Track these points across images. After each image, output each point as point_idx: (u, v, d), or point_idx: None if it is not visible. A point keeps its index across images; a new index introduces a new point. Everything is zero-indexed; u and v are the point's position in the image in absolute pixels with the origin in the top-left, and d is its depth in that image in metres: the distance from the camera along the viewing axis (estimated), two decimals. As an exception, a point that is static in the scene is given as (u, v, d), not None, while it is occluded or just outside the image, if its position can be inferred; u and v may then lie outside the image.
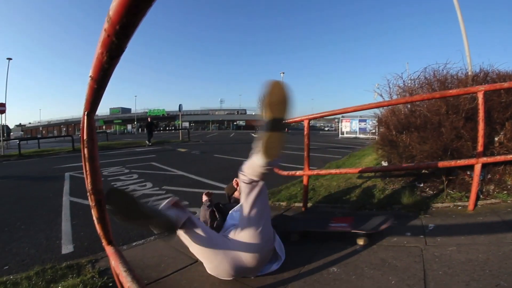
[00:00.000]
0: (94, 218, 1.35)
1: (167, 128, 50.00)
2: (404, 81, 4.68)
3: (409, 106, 4.45)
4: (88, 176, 1.25)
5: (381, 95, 4.90)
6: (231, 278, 2.04)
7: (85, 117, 1.22)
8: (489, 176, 3.34)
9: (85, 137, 1.23)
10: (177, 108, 23.92)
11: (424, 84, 4.29)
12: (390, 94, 4.77)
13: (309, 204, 3.76)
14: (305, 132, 3.52)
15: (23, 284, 2.31)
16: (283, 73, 43.29)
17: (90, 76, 0.87)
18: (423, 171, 3.87)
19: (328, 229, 2.72)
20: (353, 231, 2.54)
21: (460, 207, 3.01)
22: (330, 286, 1.92)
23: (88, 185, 1.28)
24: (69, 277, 2.39)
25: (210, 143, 20.54)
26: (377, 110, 5.40)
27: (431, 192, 3.56)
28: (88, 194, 1.93)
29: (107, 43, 0.67)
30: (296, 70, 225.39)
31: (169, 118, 65.54)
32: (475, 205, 2.91)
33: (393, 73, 4.76)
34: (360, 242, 2.47)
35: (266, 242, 2.02)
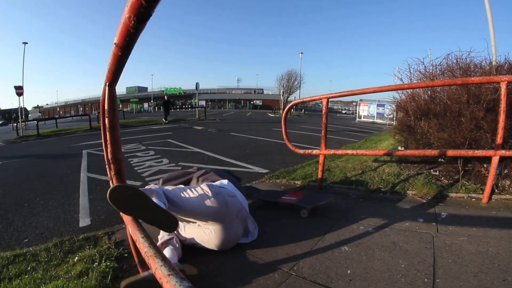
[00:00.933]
0: (114, 187, 1.39)
1: (184, 107, 50.04)
2: (425, 66, 4.57)
3: (429, 92, 4.34)
4: (109, 146, 1.29)
5: (401, 79, 4.81)
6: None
7: (107, 87, 1.25)
8: (506, 171, 3.25)
9: (106, 107, 1.26)
10: (193, 87, 23.90)
11: (446, 71, 4.16)
12: (410, 79, 4.67)
13: (324, 184, 3.78)
14: (323, 111, 3.48)
15: (42, 255, 2.41)
16: (301, 53, 42.75)
17: (115, 43, 0.88)
18: (439, 159, 3.82)
19: (279, 200, 3.05)
20: (297, 203, 2.87)
21: (474, 199, 2.97)
22: (340, 265, 1.96)
23: (109, 154, 1.31)
24: (86, 248, 2.49)
25: (226, 121, 20.64)
26: (396, 95, 5.36)
27: (446, 181, 3.52)
28: (107, 164, 2.00)
29: (136, 6, 0.68)
30: (315, 52, 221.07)
31: (186, 96, 65.35)
32: (489, 198, 2.86)
33: (414, 58, 4.66)
34: (304, 214, 2.80)
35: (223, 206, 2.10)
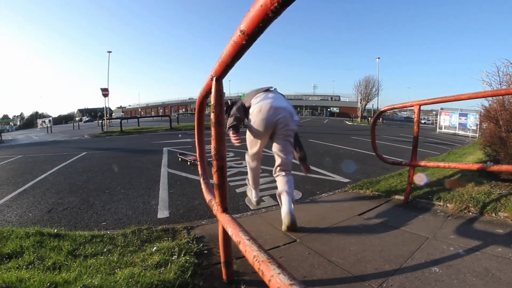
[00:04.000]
0: (214, 184, 1.36)
1: None
2: None
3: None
4: (213, 141, 1.26)
5: (490, 85, 4.25)
6: None
7: (214, 82, 1.22)
8: None
9: (213, 102, 1.23)
10: None
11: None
12: (500, 83, 4.10)
13: (410, 198, 3.50)
14: (415, 119, 3.20)
15: (119, 240, 2.51)
16: (378, 58, 40.96)
17: (241, 31, 0.82)
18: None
19: None
20: None
21: None
22: (431, 287, 1.79)
23: (213, 150, 1.28)
24: (164, 239, 2.51)
25: (304, 128, 20.64)
26: (485, 103, 4.73)
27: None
28: (200, 161, 2.02)
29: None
30: (392, 56, 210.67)
31: None
32: None
33: (504, 59, 4.07)
34: None
35: None
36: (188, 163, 6.43)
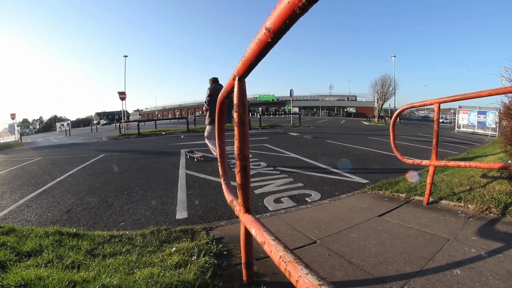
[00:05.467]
0: (237, 184, 1.35)
1: (277, 113, 51.20)
2: None
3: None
4: (236, 141, 1.25)
5: (509, 80, 4.12)
6: None
7: (236, 81, 1.22)
8: None
9: (236, 102, 1.22)
10: (285, 94, 24.44)
11: None
12: None
13: (431, 199, 3.43)
14: (435, 117, 3.15)
15: (137, 240, 2.53)
16: (394, 56, 40.39)
17: (267, 28, 0.81)
18: None
19: None
20: None
21: None
22: None
23: (236, 149, 1.28)
24: (183, 240, 2.52)
25: (321, 128, 20.57)
26: (505, 99, 4.60)
27: None
28: (221, 162, 2.02)
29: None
30: (408, 54, 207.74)
31: (279, 103, 66.62)
32: None
33: None
34: None
35: None
36: (195, 160, 6.90)
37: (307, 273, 0.79)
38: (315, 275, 0.77)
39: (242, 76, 1.19)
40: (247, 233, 1.57)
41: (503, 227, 2.60)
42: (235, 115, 1.24)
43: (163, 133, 16.72)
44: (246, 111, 1.23)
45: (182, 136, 14.15)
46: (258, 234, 1.14)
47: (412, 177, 4.44)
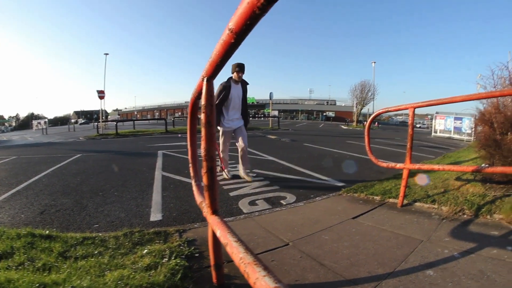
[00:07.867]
0: (204, 185, 1.34)
1: (256, 116, 51.41)
2: (510, 71, 4.09)
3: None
4: (203, 142, 1.24)
5: (484, 87, 4.31)
6: None
7: (205, 82, 1.21)
8: None
9: (203, 102, 1.22)
10: (265, 97, 24.61)
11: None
12: (495, 86, 4.18)
13: (405, 201, 3.50)
14: (410, 122, 3.23)
15: (110, 242, 2.48)
16: (374, 62, 41.12)
17: (230, 29, 0.81)
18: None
19: None
20: None
21: None
22: None
23: (203, 150, 1.27)
24: (155, 242, 2.49)
25: (299, 132, 20.81)
26: (480, 106, 4.81)
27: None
28: (192, 163, 2.00)
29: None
30: (388, 61, 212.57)
31: (259, 106, 67.42)
32: None
33: (498, 63, 4.18)
34: None
35: None
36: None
37: (265, 275, 0.79)
38: (273, 277, 0.77)
39: (210, 77, 1.18)
40: (215, 235, 1.55)
41: (476, 228, 2.69)
42: (202, 116, 1.23)
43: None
44: (214, 112, 1.22)
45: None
46: (222, 235, 1.14)
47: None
